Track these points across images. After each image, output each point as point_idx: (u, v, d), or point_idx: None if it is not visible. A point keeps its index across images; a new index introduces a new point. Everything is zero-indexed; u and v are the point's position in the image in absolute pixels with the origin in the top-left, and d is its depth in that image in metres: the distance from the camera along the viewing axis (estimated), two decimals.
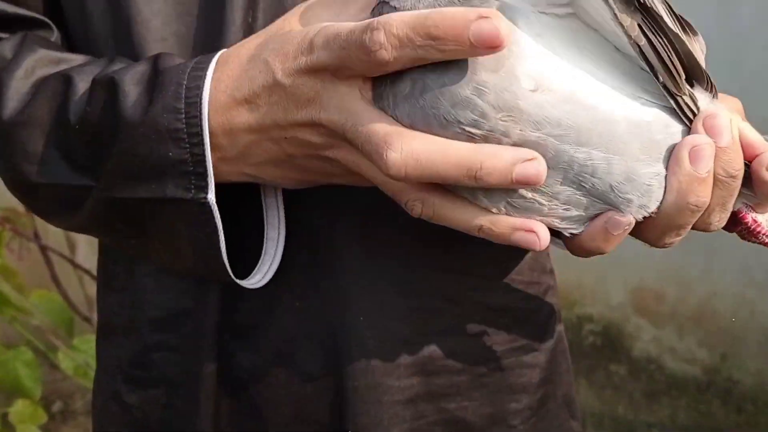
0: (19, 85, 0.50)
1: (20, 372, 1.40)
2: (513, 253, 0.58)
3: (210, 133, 0.44)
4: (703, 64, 0.41)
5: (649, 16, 0.38)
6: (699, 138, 0.39)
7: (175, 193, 0.46)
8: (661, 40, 0.38)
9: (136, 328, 0.58)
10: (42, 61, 0.51)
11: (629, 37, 0.37)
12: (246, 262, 0.52)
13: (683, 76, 0.39)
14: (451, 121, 0.38)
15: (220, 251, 0.48)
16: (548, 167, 0.38)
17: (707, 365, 2.06)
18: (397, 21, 0.37)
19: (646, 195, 0.39)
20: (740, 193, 0.43)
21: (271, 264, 0.52)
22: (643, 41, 0.37)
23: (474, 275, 0.56)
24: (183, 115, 0.44)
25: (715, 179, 0.40)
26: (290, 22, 0.45)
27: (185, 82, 0.45)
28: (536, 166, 0.38)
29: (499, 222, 0.41)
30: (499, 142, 0.38)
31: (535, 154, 0.38)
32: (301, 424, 0.55)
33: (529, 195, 0.39)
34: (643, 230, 0.42)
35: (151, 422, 0.58)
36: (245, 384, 0.55)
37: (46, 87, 0.50)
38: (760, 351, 1.99)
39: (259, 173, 0.47)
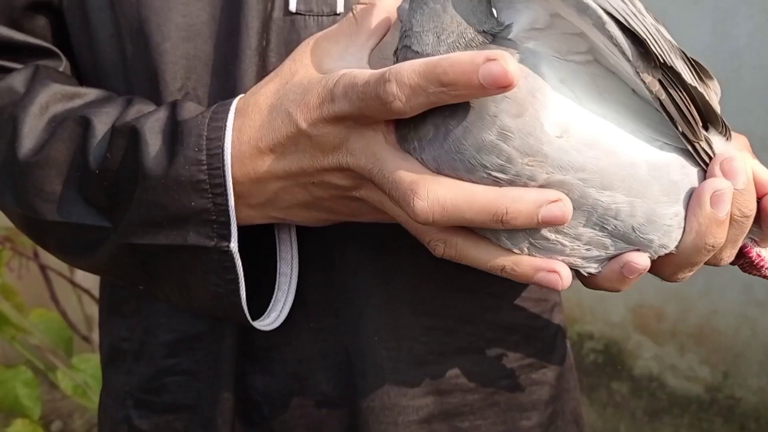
0: (34, 122, 0.50)
1: (19, 391, 1.39)
2: None
3: (234, 181, 0.45)
4: (717, 108, 0.42)
5: (668, 71, 0.39)
6: (720, 183, 0.40)
7: (196, 241, 0.46)
8: (679, 93, 0.39)
9: (148, 353, 0.57)
10: (55, 97, 0.51)
11: (651, 92, 0.38)
12: (258, 297, 0.51)
13: (700, 124, 0.40)
14: (476, 166, 0.38)
15: (239, 298, 0.48)
16: (572, 209, 0.39)
17: (709, 383, 2.06)
18: (407, 71, 0.38)
19: (666, 235, 0.40)
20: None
21: (284, 301, 0.52)
22: (663, 95, 0.38)
23: (485, 294, 0.56)
24: (205, 167, 0.45)
25: (730, 219, 0.41)
26: (301, 62, 0.45)
27: (205, 133, 0.45)
28: (561, 207, 0.38)
29: (522, 263, 0.41)
30: (526, 186, 0.38)
31: (561, 194, 0.38)
32: None
33: (552, 236, 0.40)
34: (658, 266, 0.43)
35: None
36: (260, 407, 0.55)
37: (63, 128, 0.50)
38: (761, 369, 1.99)
39: (287, 216, 0.47)
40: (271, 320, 0.51)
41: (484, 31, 0.40)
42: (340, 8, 0.52)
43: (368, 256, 0.53)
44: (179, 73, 0.52)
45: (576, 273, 0.44)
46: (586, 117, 0.39)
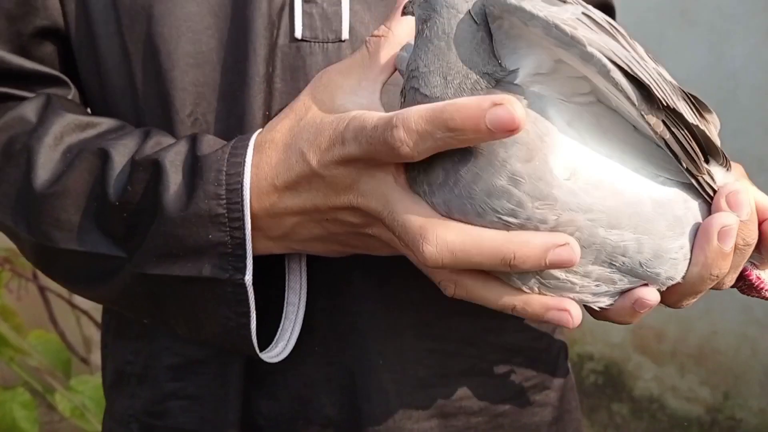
0: (50, 153, 0.51)
1: (17, 413, 1.39)
2: None
3: (252, 215, 0.46)
4: (717, 142, 0.43)
5: (671, 112, 0.40)
6: (728, 218, 0.41)
7: (211, 273, 0.47)
8: (682, 132, 0.40)
9: (152, 377, 0.57)
10: (69, 127, 0.52)
11: (655, 133, 0.39)
12: (265, 324, 0.52)
13: (702, 159, 0.41)
14: (487, 211, 0.39)
15: (249, 331, 0.48)
16: (581, 249, 0.39)
17: (710, 404, 2.05)
18: (414, 116, 0.39)
19: (673, 268, 0.42)
20: None
21: (292, 331, 0.52)
22: (667, 135, 0.39)
23: (487, 316, 0.56)
24: (224, 201, 0.46)
25: (734, 248, 0.42)
26: (314, 97, 0.46)
27: (225, 169, 0.46)
28: (569, 251, 0.39)
29: (532, 302, 0.42)
30: (536, 229, 0.39)
31: (568, 238, 0.39)
32: None
33: (563, 276, 0.40)
34: (663, 295, 0.44)
35: None
36: (264, 431, 0.55)
37: (81, 159, 0.50)
38: (762, 389, 1.98)
39: (305, 248, 0.48)
40: (278, 350, 0.52)
41: (487, 73, 0.40)
42: (344, 35, 0.53)
43: (373, 281, 0.53)
44: (188, 100, 0.53)
45: (585, 306, 0.44)
46: (592, 158, 0.39)
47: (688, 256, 0.42)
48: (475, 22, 0.41)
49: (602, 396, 2.17)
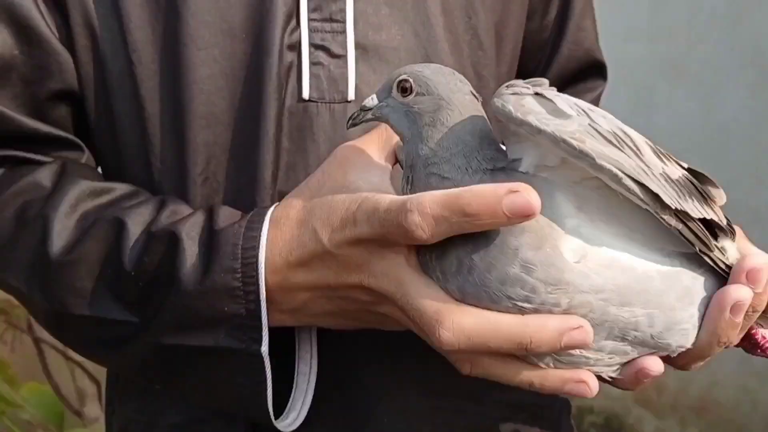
0: (65, 221, 0.52)
1: None
2: None
3: (266, 289, 0.47)
4: (724, 221, 0.44)
5: (681, 212, 0.41)
6: (743, 293, 0.42)
7: (228, 344, 0.48)
8: (694, 223, 0.42)
9: None
10: (84, 193, 0.53)
11: (669, 225, 0.40)
12: (275, 392, 0.51)
13: (712, 241, 0.42)
14: (501, 297, 0.40)
15: (265, 399, 0.49)
16: (594, 326, 0.40)
17: None
18: (429, 201, 0.40)
19: (683, 337, 0.43)
20: None
21: (303, 401, 0.53)
22: (681, 226, 0.41)
23: None
24: (240, 275, 0.47)
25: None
26: (328, 174, 0.48)
27: (241, 243, 0.47)
28: (582, 334, 0.40)
29: (549, 377, 0.42)
30: (550, 312, 0.40)
31: (582, 321, 0.40)
32: None
33: (577, 351, 0.41)
34: (673, 360, 0.45)
35: None
36: None
37: (96, 228, 0.51)
38: None
39: (317, 321, 0.49)
40: (290, 420, 0.52)
41: (493, 158, 0.42)
42: (350, 96, 0.54)
43: (378, 338, 0.53)
44: (200, 159, 0.54)
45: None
46: (601, 239, 0.41)
47: (698, 324, 0.43)
48: (477, 98, 0.44)
49: None
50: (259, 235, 0.47)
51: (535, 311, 0.40)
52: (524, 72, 0.69)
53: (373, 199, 0.43)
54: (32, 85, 0.56)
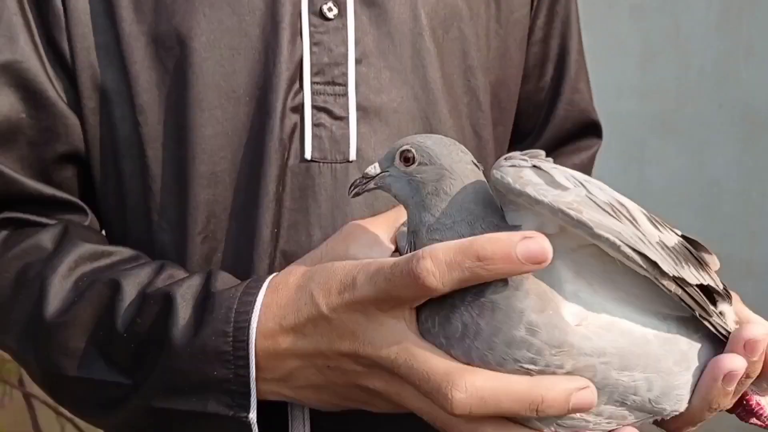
0: (62, 283, 0.52)
1: None
2: None
3: (255, 354, 0.46)
4: (720, 286, 0.45)
5: (679, 279, 0.42)
6: (737, 363, 0.42)
7: (216, 410, 0.47)
8: (692, 289, 0.42)
9: None
10: (83, 256, 0.53)
11: (669, 291, 0.41)
12: None
13: (710, 307, 0.43)
14: (508, 360, 0.40)
15: None
16: (596, 390, 0.41)
17: None
18: (442, 248, 0.40)
19: (678, 402, 0.43)
20: None
21: None
22: (680, 292, 0.41)
23: None
24: (231, 339, 0.46)
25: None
26: (332, 247, 0.48)
27: (235, 307, 0.47)
28: (589, 395, 0.40)
29: None
30: (554, 374, 0.40)
31: (587, 381, 0.40)
32: None
33: (578, 415, 0.41)
34: (665, 424, 0.45)
35: None
36: None
37: (92, 290, 0.51)
38: None
39: (297, 395, 0.48)
40: None
41: (497, 225, 0.43)
42: (352, 156, 0.55)
43: (372, 417, 0.52)
44: (200, 218, 0.55)
45: None
46: (600, 303, 0.41)
47: (692, 389, 0.43)
48: (478, 167, 0.45)
49: None
50: (254, 300, 0.46)
51: (540, 372, 0.40)
52: (522, 131, 0.71)
53: (377, 262, 0.43)
54: (38, 147, 0.57)
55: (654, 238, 0.41)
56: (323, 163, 0.55)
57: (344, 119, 0.55)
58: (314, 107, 0.55)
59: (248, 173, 0.55)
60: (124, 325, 0.49)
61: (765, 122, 2.09)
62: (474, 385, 0.40)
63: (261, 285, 0.47)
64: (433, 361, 0.41)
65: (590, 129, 0.73)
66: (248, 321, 0.46)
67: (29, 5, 0.57)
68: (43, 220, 0.57)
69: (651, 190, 2.13)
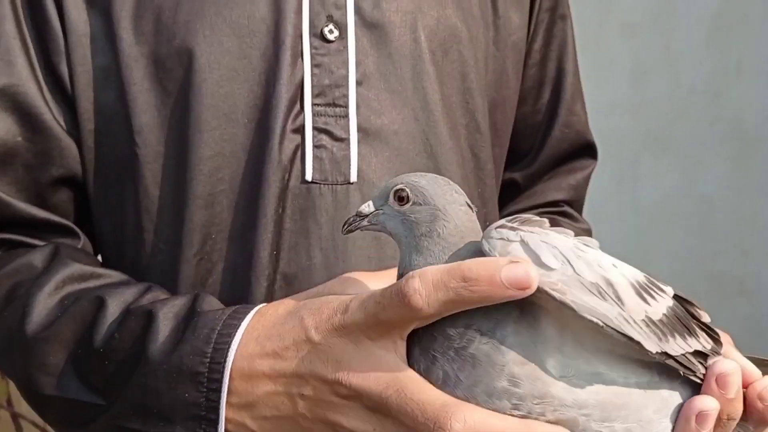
0: (47, 300, 0.52)
1: None
2: None
3: (230, 378, 0.45)
4: (707, 345, 0.44)
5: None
6: (707, 404, 0.42)
7: None
8: (677, 348, 0.42)
9: None
10: (73, 276, 0.53)
11: (654, 356, 0.41)
12: None
13: (698, 367, 0.43)
14: (488, 407, 0.40)
15: None
16: None
17: None
18: (432, 269, 0.41)
19: None
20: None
21: None
22: (666, 358, 0.42)
23: None
24: (208, 360, 0.45)
25: (718, 420, 0.43)
26: (329, 287, 0.48)
27: (219, 329, 0.46)
28: None
29: None
30: (537, 419, 0.40)
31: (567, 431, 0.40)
32: None
33: None
34: None
35: None
36: None
37: (76, 306, 0.51)
38: None
39: (257, 428, 0.46)
40: None
41: None
42: (353, 177, 0.55)
43: None
44: (196, 239, 0.55)
45: None
46: (583, 354, 0.41)
47: None
48: (471, 209, 0.45)
49: None
50: (239, 324, 0.46)
51: (524, 418, 0.40)
52: (519, 152, 0.72)
53: (371, 291, 0.43)
54: (34, 170, 0.57)
55: (640, 316, 0.41)
56: (324, 184, 0.55)
57: (345, 141, 0.55)
58: (315, 129, 0.55)
59: (247, 195, 0.55)
60: (103, 340, 0.49)
61: (756, 139, 2.11)
62: (473, 418, 0.39)
63: (249, 311, 0.47)
64: (429, 393, 0.40)
65: (586, 150, 0.74)
66: (228, 344, 0.45)
67: (28, 29, 0.57)
68: (36, 242, 0.57)
69: (643, 207, 2.14)
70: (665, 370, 0.43)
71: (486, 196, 0.63)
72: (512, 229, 0.42)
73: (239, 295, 0.55)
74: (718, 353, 0.44)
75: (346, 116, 0.55)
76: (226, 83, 0.55)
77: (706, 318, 0.46)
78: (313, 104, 0.55)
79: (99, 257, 0.62)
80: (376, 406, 0.42)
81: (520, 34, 0.66)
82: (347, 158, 0.55)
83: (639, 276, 0.43)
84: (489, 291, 0.39)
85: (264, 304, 0.48)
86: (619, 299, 0.41)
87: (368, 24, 0.57)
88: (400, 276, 0.45)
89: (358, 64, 0.56)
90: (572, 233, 0.44)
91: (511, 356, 0.40)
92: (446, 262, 0.43)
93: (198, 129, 0.55)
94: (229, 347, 0.45)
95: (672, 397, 0.43)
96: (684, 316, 0.44)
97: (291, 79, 0.55)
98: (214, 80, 0.55)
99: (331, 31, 0.56)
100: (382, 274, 0.48)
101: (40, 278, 0.53)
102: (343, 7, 0.56)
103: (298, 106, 0.55)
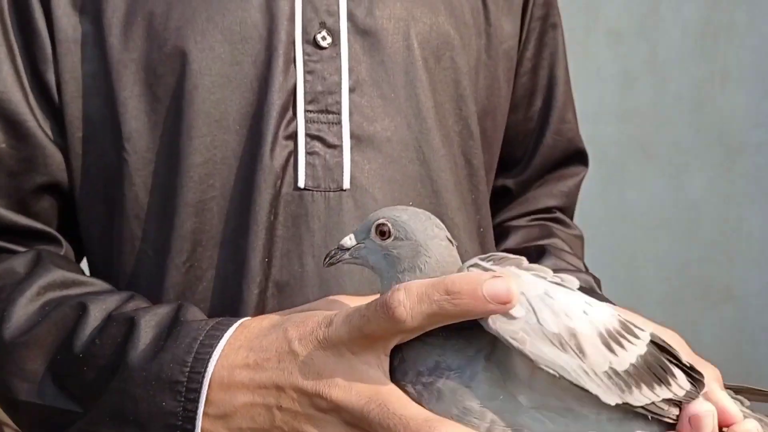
0: (27, 306, 0.51)
1: None
2: None
3: (208, 388, 0.45)
4: (680, 392, 0.44)
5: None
6: None
7: None
8: (642, 399, 0.42)
9: None
10: (55, 283, 0.53)
11: (632, 407, 0.41)
12: None
13: (670, 410, 0.43)
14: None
15: None
16: None
17: None
18: (417, 282, 0.41)
19: None
20: None
21: None
22: (638, 408, 0.42)
23: None
24: (188, 369, 0.45)
25: None
26: (315, 305, 0.48)
27: (201, 338, 0.46)
28: None
29: None
30: None
31: None
32: None
33: None
34: None
35: None
36: None
37: (57, 312, 0.50)
38: None
39: None
40: None
41: None
42: (346, 184, 0.55)
43: None
44: (185, 247, 0.54)
45: None
46: (554, 390, 0.41)
47: None
48: (452, 243, 0.45)
49: None
50: (222, 335, 0.45)
51: None
52: (511, 160, 0.72)
53: (356, 306, 0.43)
54: (17, 177, 0.57)
55: (602, 368, 0.41)
56: (317, 191, 0.55)
57: (338, 147, 0.55)
58: (308, 135, 0.55)
59: (238, 201, 0.54)
60: (84, 346, 0.48)
61: (741, 147, 2.13)
62: None
63: (232, 323, 0.46)
64: (412, 408, 0.40)
65: (577, 157, 0.75)
66: (210, 354, 0.45)
67: (15, 36, 0.56)
68: (18, 248, 0.57)
69: (630, 214, 2.15)
70: (640, 412, 0.43)
71: (479, 202, 0.64)
72: (485, 269, 0.42)
73: (229, 302, 0.54)
74: (694, 398, 0.44)
75: (339, 123, 0.55)
76: (218, 89, 0.55)
77: (685, 360, 0.45)
78: (306, 111, 0.55)
79: (86, 263, 0.62)
80: (355, 420, 0.41)
81: (512, 43, 0.66)
82: (340, 165, 0.55)
83: (612, 322, 0.42)
84: (471, 305, 0.40)
85: (248, 318, 0.48)
86: (581, 351, 0.41)
87: (361, 31, 0.57)
88: None
89: (351, 70, 0.56)
90: (550, 272, 0.44)
91: (482, 392, 0.41)
92: None
93: (189, 135, 0.54)
94: (210, 357, 0.45)
95: None
96: (657, 363, 0.43)
97: (283, 85, 0.54)
98: (205, 86, 0.54)
99: (324, 38, 0.55)
100: (368, 299, 0.48)
101: (21, 284, 0.52)
102: (336, 14, 0.56)
103: (290, 112, 0.55)
